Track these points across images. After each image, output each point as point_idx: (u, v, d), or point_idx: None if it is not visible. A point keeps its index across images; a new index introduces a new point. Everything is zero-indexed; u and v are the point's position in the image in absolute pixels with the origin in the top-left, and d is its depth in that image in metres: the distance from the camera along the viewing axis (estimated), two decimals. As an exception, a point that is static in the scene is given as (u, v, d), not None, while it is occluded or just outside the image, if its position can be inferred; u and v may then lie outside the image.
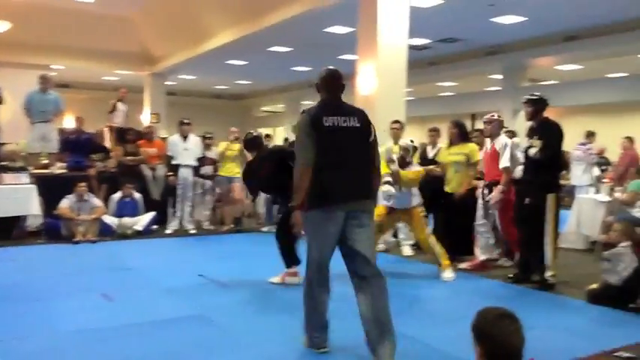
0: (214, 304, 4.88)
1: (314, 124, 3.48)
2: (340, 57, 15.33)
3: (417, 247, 7.21)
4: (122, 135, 10.00)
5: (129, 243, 7.90)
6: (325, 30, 12.72)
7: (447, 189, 6.74)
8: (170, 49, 16.70)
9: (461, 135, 6.79)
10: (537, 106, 5.65)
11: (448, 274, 5.95)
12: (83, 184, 8.01)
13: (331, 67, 3.80)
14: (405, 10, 8.48)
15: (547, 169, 5.45)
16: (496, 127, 6.22)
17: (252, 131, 6.04)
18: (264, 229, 9.05)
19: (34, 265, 6.41)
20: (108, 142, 10.46)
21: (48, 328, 4.18)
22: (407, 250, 7.24)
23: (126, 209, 8.52)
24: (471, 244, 6.61)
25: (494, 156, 6.07)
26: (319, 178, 3.45)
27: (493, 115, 6.28)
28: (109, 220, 8.26)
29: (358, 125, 3.55)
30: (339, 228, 3.47)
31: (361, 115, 3.62)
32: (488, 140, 6.34)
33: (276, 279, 5.60)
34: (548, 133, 5.48)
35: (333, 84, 3.69)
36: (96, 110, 15.84)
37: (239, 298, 5.08)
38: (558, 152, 5.67)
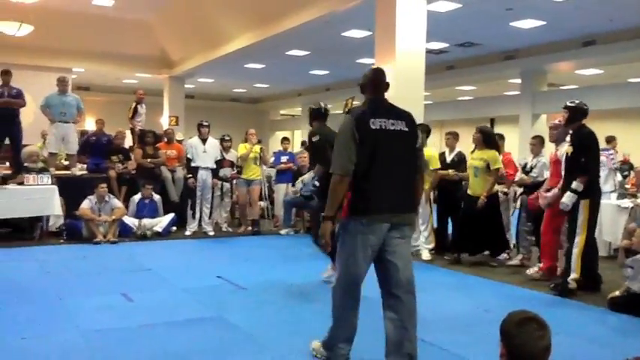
0: (232, 305, 4.92)
1: (359, 127, 3.20)
2: (358, 61, 15.36)
3: (435, 251, 7.26)
4: (142, 137, 10.10)
5: (148, 244, 7.98)
6: (343, 34, 12.74)
7: (469, 192, 6.93)
8: (188, 53, 16.83)
9: (484, 141, 6.86)
10: (572, 113, 5.60)
11: None
12: (104, 185, 8.10)
13: (376, 66, 3.59)
14: (422, 14, 8.47)
15: (582, 174, 5.40)
16: (561, 132, 6.10)
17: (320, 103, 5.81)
18: (283, 231, 9.09)
19: (55, 265, 6.49)
20: (129, 144, 10.56)
21: (69, 327, 4.24)
22: (426, 255, 7.22)
23: (145, 210, 8.61)
24: (503, 243, 6.99)
25: (558, 162, 5.97)
26: (364, 185, 3.22)
27: (560, 121, 6.10)
28: (129, 221, 8.35)
29: (406, 130, 3.31)
30: (380, 240, 3.24)
31: (409, 119, 3.38)
32: (553, 146, 6.33)
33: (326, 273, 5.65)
34: (578, 141, 5.49)
35: (381, 82, 3.45)
36: (116, 112, 16.02)
37: (257, 300, 5.10)
38: (592, 157, 5.54)
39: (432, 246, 7.26)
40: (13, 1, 11.59)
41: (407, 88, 8.11)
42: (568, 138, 5.88)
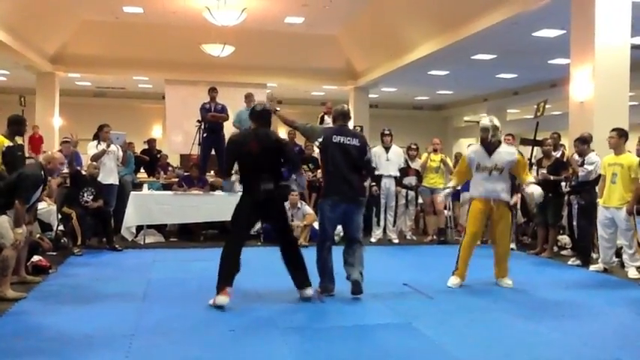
0: (420, 313, 4.91)
1: (326, 139, 5.31)
2: (550, 62, 14.53)
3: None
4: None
5: (336, 249, 8.25)
6: (533, 34, 12.13)
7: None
8: (372, 63, 17.24)
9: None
10: None
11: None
12: (296, 193, 8.59)
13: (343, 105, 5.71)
14: (626, 7, 7.82)
15: None
16: None
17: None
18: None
19: (252, 266, 6.98)
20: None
21: (269, 323, 4.57)
22: (633, 273, 6.56)
23: (333, 217, 8.95)
24: None
25: None
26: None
27: None
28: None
29: (358, 145, 5.35)
30: None
31: (361, 138, 5.46)
32: None
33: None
34: None
35: (345, 116, 5.56)
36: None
37: (445, 310, 5.04)
38: None
39: (638, 263, 6.54)
40: (217, 26, 12.86)
41: (608, 89, 7.51)
42: None
